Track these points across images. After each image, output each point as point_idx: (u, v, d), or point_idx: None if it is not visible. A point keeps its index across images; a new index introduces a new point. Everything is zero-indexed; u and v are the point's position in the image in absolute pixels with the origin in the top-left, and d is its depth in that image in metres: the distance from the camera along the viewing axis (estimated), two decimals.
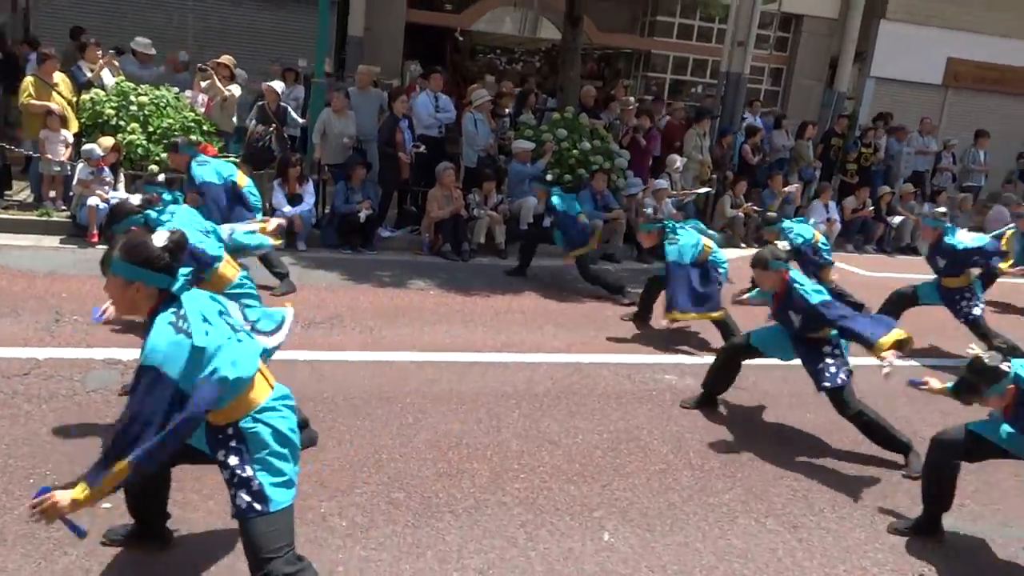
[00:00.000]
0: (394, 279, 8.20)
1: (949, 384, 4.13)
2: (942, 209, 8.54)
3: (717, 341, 6.88)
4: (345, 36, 13.69)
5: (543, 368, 6.09)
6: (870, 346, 4.63)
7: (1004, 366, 3.63)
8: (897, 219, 12.93)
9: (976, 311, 7.00)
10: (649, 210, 7.21)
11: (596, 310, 7.85)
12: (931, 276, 7.30)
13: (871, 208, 12.95)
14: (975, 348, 3.76)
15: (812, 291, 4.89)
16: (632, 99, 12.08)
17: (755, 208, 11.96)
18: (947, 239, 7.00)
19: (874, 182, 13.45)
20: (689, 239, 6.83)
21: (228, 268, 4.62)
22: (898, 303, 7.39)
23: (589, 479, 4.49)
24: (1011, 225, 9.52)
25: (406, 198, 10.40)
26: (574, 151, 10.27)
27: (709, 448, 5.01)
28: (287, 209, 8.82)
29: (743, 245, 11.70)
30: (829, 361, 4.98)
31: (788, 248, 5.25)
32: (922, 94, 16.55)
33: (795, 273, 5.04)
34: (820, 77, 16.18)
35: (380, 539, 3.75)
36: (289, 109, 9.74)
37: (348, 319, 6.78)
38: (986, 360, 3.65)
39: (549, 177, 8.79)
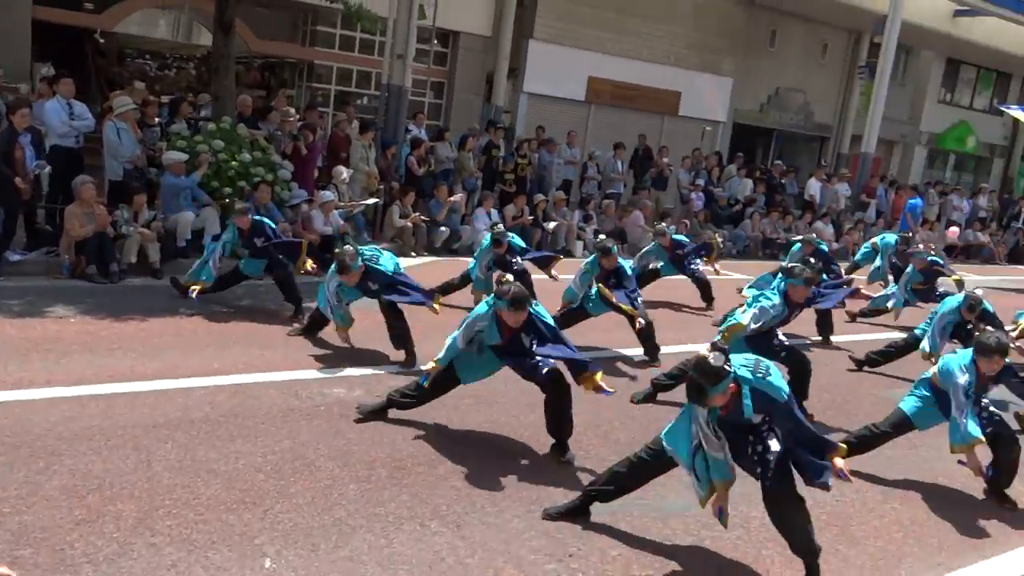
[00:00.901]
0: (26, 308, 7.28)
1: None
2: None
3: (390, 351, 6.95)
4: None
5: (201, 392, 5.71)
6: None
7: (727, 366, 3.79)
8: (551, 224, 13.92)
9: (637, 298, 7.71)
10: (348, 247, 6.99)
11: (261, 328, 7.54)
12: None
13: (529, 216, 13.84)
14: (703, 349, 3.88)
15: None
16: (293, 109, 11.84)
17: (423, 218, 12.26)
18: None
19: (530, 191, 14.40)
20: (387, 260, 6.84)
21: None
22: (571, 320, 7.87)
23: (250, 505, 4.27)
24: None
25: (36, 216, 9.26)
26: (233, 163, 9.84)
27: (377, 458, 4.99)
28: None
29: (413, 255, 11.93)
30: (538, 357, 5.20)
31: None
32: (568, 109, 18.02)
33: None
34: (479, 91, 17.00)
35: None
36: None
37: None
38: (711, 360, 3.75)
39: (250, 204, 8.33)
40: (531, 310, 5.09)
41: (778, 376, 3.99)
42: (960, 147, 26.87)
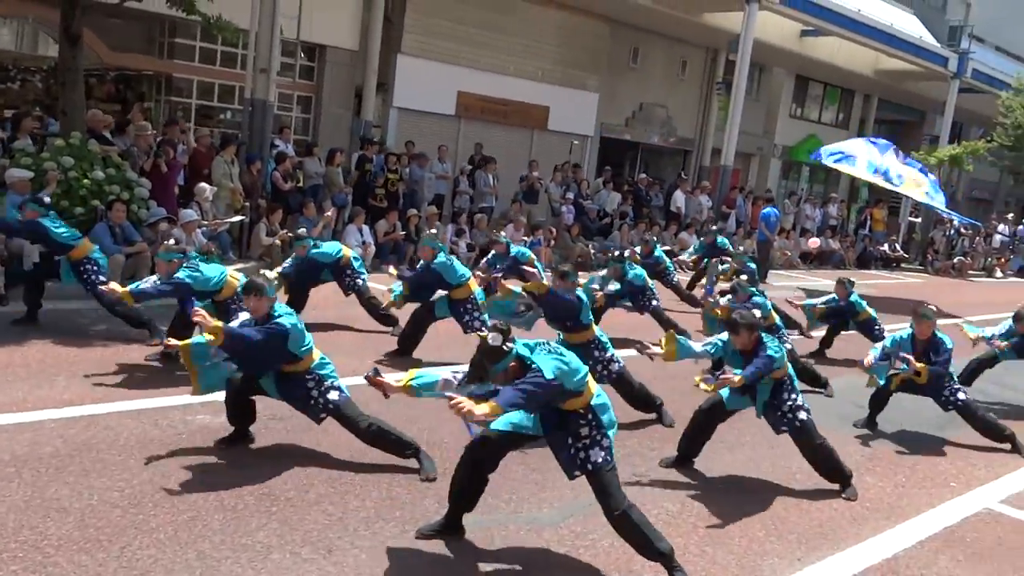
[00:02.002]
0: None
1: (413, 380, 4.29)
2: (434, 231, 9.55)
3: None
4: None
5: (51, 426, 5.38)
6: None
7: (507, 345, 3.91)
8: None
9: (477, 323, 7.74)
10: (171, 240, 6.82)
11: (118, 354, 7.16)
12: None
13: (402, 231, 13.75)
14: (484, 331, 4.00)
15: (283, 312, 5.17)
16: (149, 124, 11.36)
17: (291, 234, 11.95)
18: (441, 257, 7.84)
19: (402, 206, 14.31)
20: (212, 272, 6.59)
21: None
22: (420, 323, 7.91)
23: (106, 543, 4.04)
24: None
25: None
26: (85, 180, 9.34)
27: (243, 486, 4.82)
28: None
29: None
30: (313, 390, 5.17)
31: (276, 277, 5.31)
32: (438, 123, 18.02)
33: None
34: (348, 106, 16.75)
35: None
36: None
37: None
38: (490, 340, 3.90)
39: (48, 199, 7.81)
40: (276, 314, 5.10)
41: (551, 360, 3.96)
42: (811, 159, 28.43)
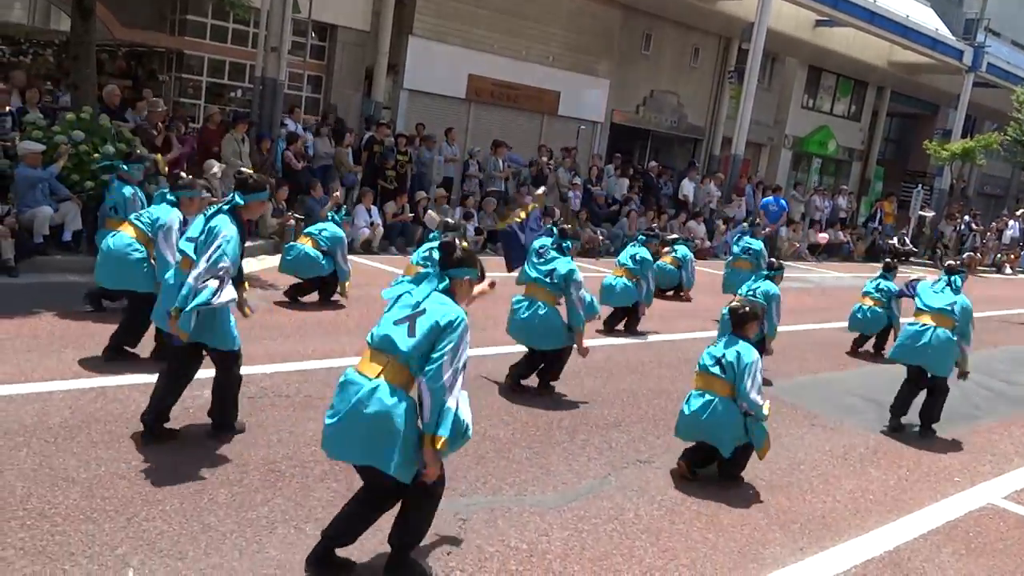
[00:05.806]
0: None
1: None
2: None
3: (263, 349, 6.75)
4: None
5: (59, 397, 5.41)
6: None
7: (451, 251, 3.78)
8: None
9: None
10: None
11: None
12: None
13: (410, 213, 13.75)
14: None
15: None
16: (161, 101, 11.35)
17: (296, 215, 11.97)
18: None
19: (411, 188, 14.30)
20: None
21: None
22: None
23: (112, 514, 4.07)
24: None
25: None
26: (95, 155, 9.34)
27: (249, 461, 4.84)
28: None
29: None
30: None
31: None
32: (449, 106, 17.99)
33: None
34: (358, 87, 16.74)
35: None
36: None
37: None
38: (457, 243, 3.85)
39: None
40: None
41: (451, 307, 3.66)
42: (822, 151, 28.31)
